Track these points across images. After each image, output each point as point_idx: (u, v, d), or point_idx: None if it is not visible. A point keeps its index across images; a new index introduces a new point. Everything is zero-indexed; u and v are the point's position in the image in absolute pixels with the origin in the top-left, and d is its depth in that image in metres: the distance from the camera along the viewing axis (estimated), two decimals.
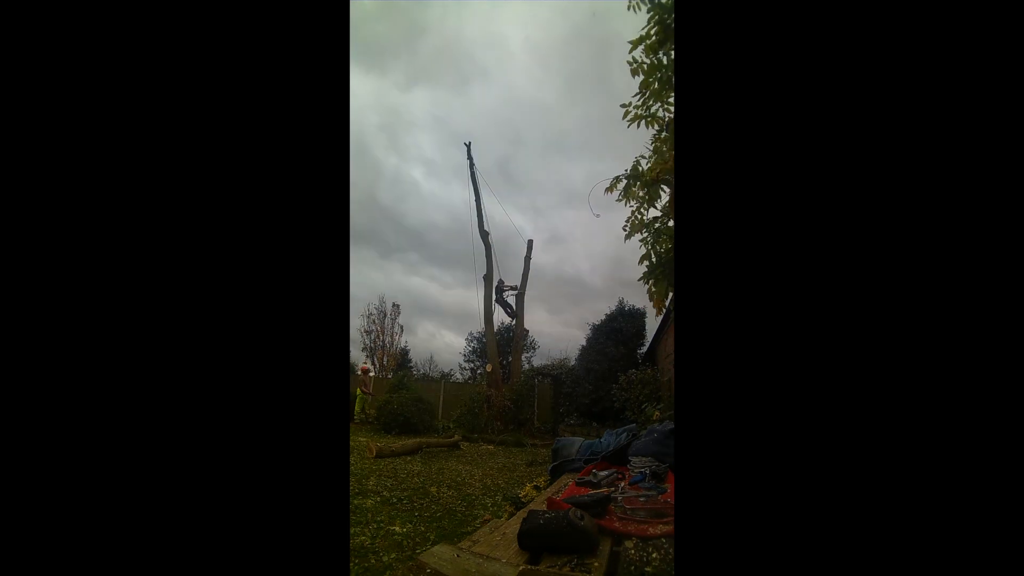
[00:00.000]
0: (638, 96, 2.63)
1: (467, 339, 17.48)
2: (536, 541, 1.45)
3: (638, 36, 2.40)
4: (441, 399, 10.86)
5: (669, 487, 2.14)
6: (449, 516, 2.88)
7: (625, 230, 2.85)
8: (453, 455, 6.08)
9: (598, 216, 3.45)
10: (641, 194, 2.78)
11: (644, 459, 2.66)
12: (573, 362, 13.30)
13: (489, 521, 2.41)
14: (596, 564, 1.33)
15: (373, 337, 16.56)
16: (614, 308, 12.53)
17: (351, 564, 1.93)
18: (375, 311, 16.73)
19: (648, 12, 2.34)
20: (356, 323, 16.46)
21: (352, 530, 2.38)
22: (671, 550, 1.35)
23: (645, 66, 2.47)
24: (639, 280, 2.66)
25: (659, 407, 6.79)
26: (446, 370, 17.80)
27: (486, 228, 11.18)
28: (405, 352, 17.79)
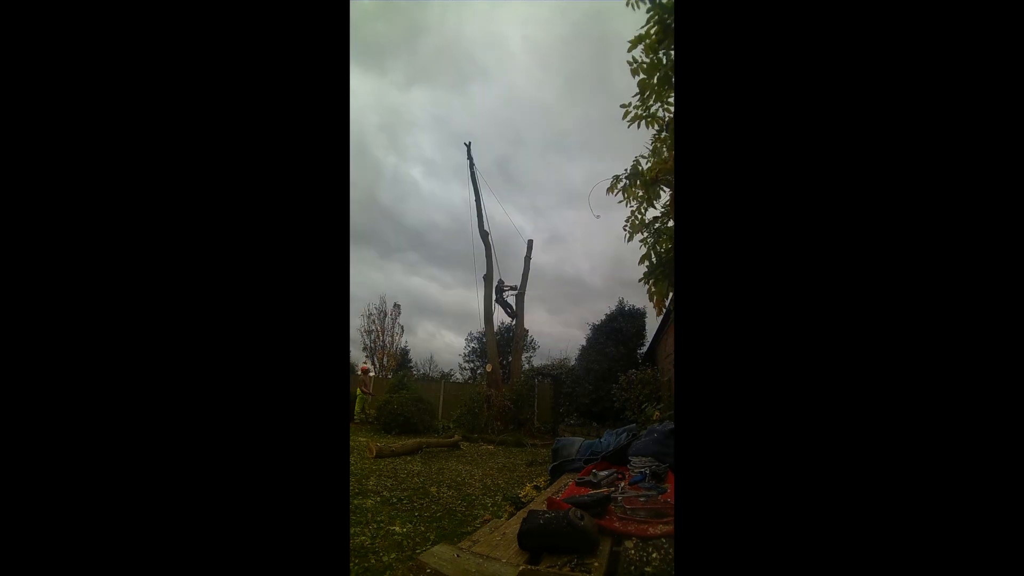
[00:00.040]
0: (638, 96, 2.63)
1: (467, 339, 17.50)
2: (536, 541, 1.45)
3: (637, 35, 2.40)
4: (441, 399, 10.86)
5: (669, 487, 2.14)
6: (449, 516, 2.88)
7: (625, 230, 2.85)
8: (453, 455, 6.08)
9: (599, 217, 3.45)
10: (641, 194, 2.78)
11: (644, 459, 2.67)
12: (573, 362, 13.31)
13: (489, 521, 2.41)
14: (596, 564, 1.33)
15: (373, 337, 16.59)
16: (614, 308, 12.55)
17: (351, 564, 1.93)
18: (375, 311, 16.77)
19: (648, 12, 2.34)
20: (356, 323, 16.50)
21: (352, 530, 2.38)
22: (671, 550, 1.35)
23: (644, 65, 2.47)
24: (639, 280, 2.66)
25: (659, 407, 6.79)
26: (446, 370, 17.83)
27: (486, 228, 11.19)
28: (405, 352, 17.81)
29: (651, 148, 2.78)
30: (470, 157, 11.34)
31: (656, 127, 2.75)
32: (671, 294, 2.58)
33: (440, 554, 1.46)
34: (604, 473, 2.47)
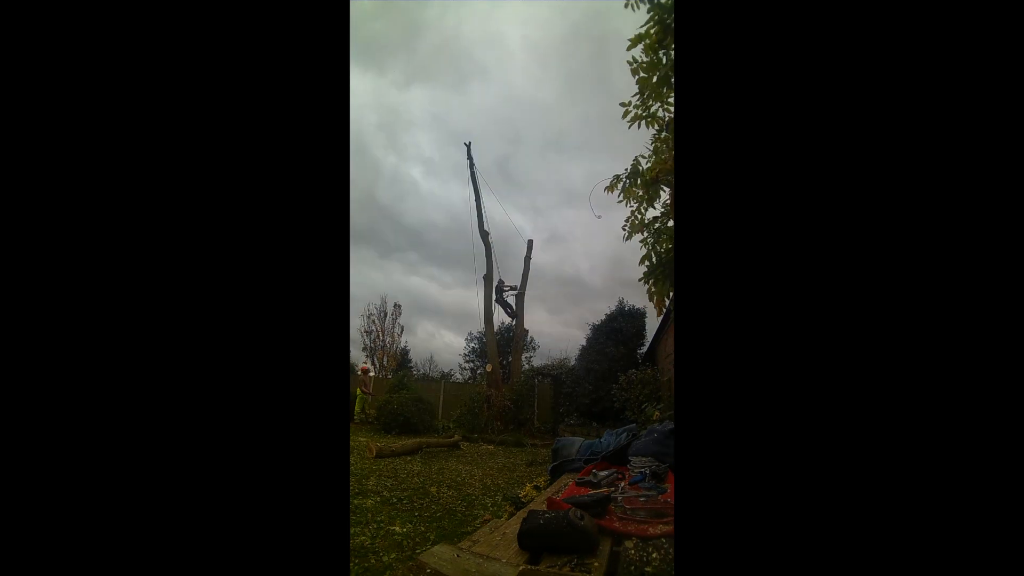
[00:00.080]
0: (637, 95, 2.63)
1: (467, 339, 17.49)
2: (536, 541, 1.45)
3: (636, 34, 2.41)
4: (441, 399, 10.86)
5: (669, 487, 2.14)
6: (449, 516, 2.88)
7: (625, 230, 2.86)
8: (453, 455, 6.08)
9: (599, 217, 3.45)
10: (641, 194, 2.78)
11: (644, 459, 2.66)
12: (573, 362, 13.31)
13: (489, 521, 2.41)
14: (596, 564, 1.33)
15: (373, 337, 16.58)
16: (614, 308, 12.55)
17: (351, 564, 1.93)
18: (375, 311, 16.77)
19: (648, 12, 2.35)
20: (356, 323, 16.49)
21: (352, 530, 2.38)
22: (671, 550, 1.35)
23: (644, 65, 2.47)
24: (639, 280, 2.66)
25: (659, 407, 6.79)
26: (446, 370, 17.83)
27: (486, 228, 11.19)
28: (405, 352, 17.80)
29: (651, 148, 2.78)
30: (470, 157, 11.35)
31: (656, 127, 2.75)
32: (671, 294, 2.58)
33: (440, 554, 1.46)
34: (604, 473, 2.47)
